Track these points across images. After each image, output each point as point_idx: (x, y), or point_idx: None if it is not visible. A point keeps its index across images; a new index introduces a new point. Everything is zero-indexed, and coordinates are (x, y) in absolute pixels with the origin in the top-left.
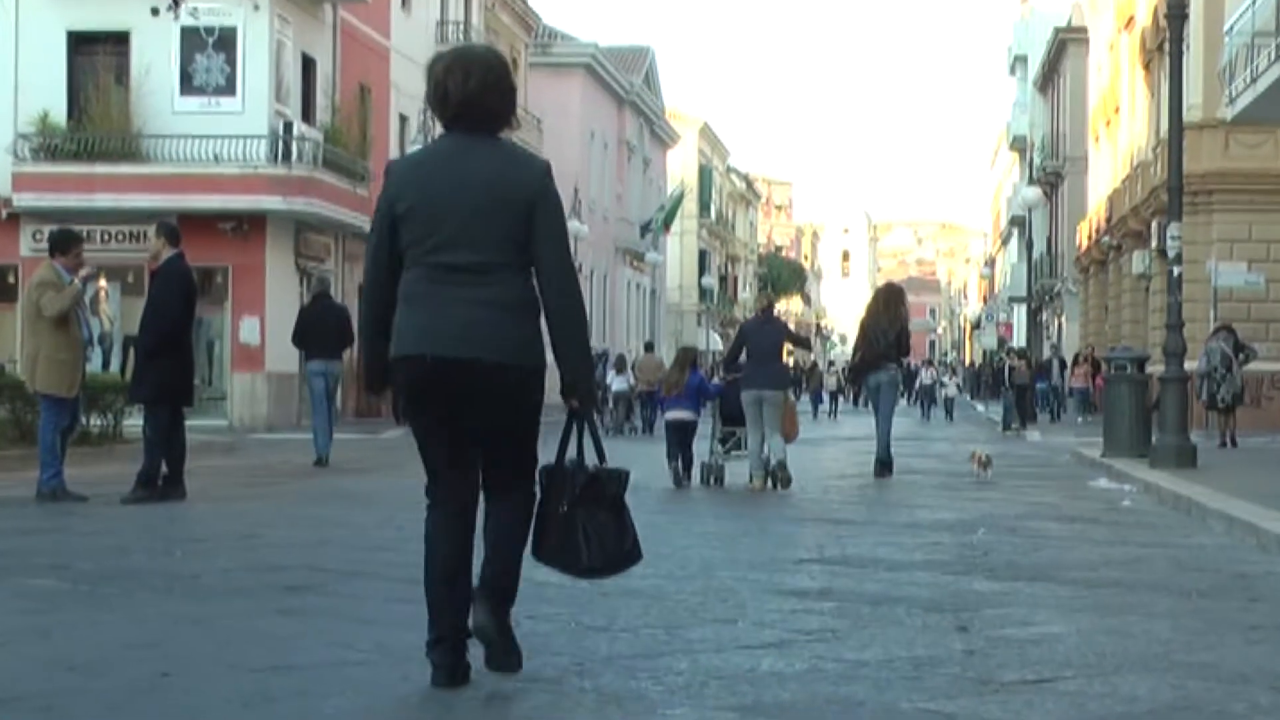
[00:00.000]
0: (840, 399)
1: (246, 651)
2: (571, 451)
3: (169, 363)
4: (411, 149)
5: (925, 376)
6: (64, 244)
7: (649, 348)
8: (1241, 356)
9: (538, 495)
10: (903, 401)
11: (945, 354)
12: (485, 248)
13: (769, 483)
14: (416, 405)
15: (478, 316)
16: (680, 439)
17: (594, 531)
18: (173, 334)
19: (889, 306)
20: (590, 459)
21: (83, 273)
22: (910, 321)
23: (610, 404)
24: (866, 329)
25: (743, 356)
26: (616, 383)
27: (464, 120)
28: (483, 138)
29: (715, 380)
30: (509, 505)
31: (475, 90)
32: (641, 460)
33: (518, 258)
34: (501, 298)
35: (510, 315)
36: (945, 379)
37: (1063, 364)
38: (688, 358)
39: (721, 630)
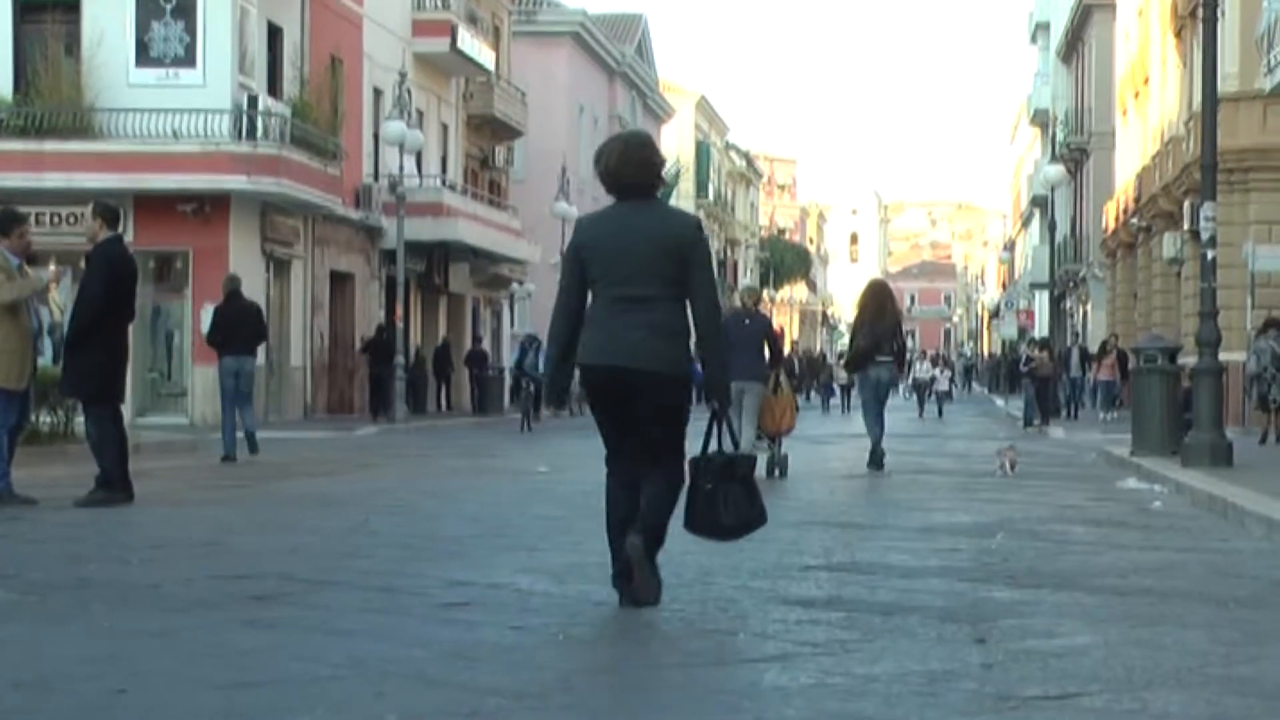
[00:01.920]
0: (852, 392)
1: (210, 666)
2: (712, 443)
3: (96, 357)
4: (386, 125)
5: (920, 370)
6: (6, 225)
7: None
8: None
9: (686, 479)
10: (899, 396)
11: (961, 344)
12: (649, 284)
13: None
14: (597, 399)
15: (642, 336)
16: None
17: (730, 500)
18: (96, 325)
19: (882, 303)
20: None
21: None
22: (901, 316)
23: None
24: (863, 324)
25: None
26: None
27: (628, 190)
28: (644, 202)
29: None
30: (657, 479)
31: (633, 170)
32: None
33: (673, 291)
34: (660, 322)
35: (664, 337)
36: (937, 372)
37: (1084, 355)
38: None
39: (721, 642)
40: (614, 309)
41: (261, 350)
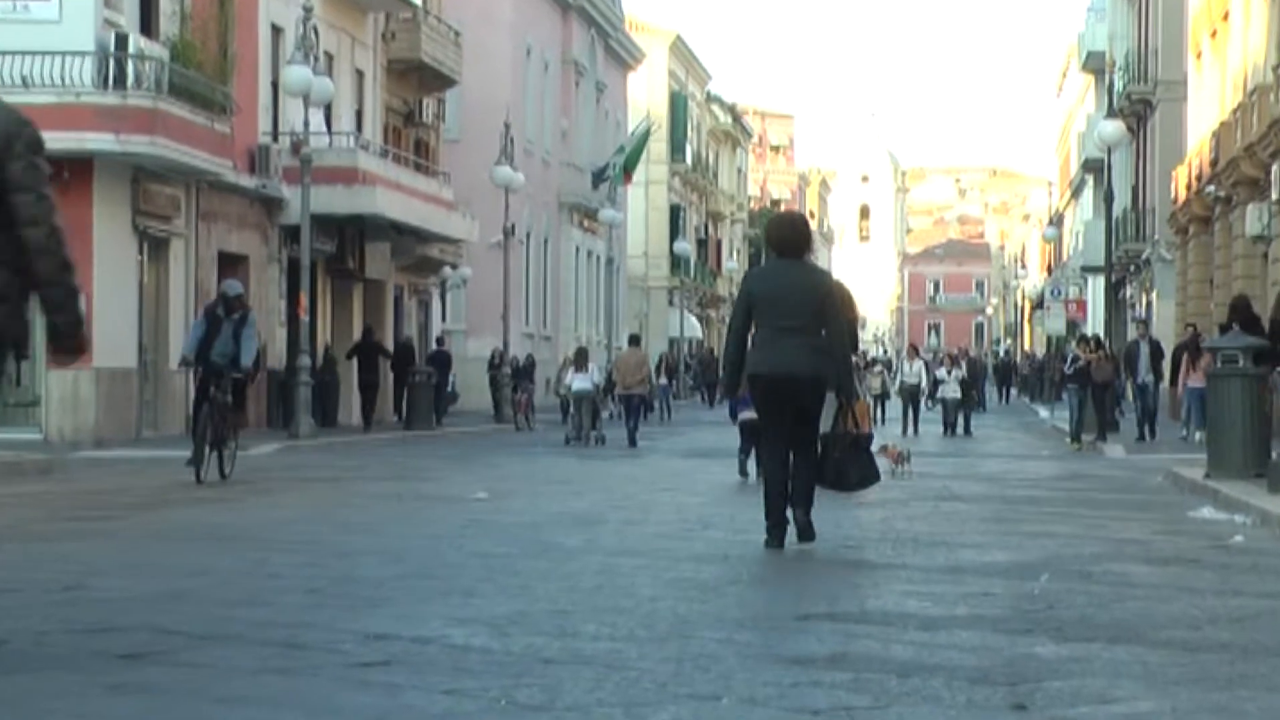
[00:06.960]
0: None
1: None
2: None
3: None
4: (288, 71)
5: (910, 372)
6: None
7: (634, 340)
8: None
9: (819, 451)
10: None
11: (996, 341)
12: (800, 318)
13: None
14: (765, 398)
15: (798, 354)
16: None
17: (854, 464)
18: None
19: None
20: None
21: None
22: (856, 320)
23: (571, 408)
24: None
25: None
26: (577, 381)
27: (788, 251)
28: (796, 260)
29: None
30: (801, 464)
31: (792, 236)
32: (593, 496)
33: (816, 324)
34: (809, 344)
35: (813, 352)
36: (946, 374)
37: (1156, 351)
38: None
39: (700, 709)
40: (776, 334)
41: (134, 352)
